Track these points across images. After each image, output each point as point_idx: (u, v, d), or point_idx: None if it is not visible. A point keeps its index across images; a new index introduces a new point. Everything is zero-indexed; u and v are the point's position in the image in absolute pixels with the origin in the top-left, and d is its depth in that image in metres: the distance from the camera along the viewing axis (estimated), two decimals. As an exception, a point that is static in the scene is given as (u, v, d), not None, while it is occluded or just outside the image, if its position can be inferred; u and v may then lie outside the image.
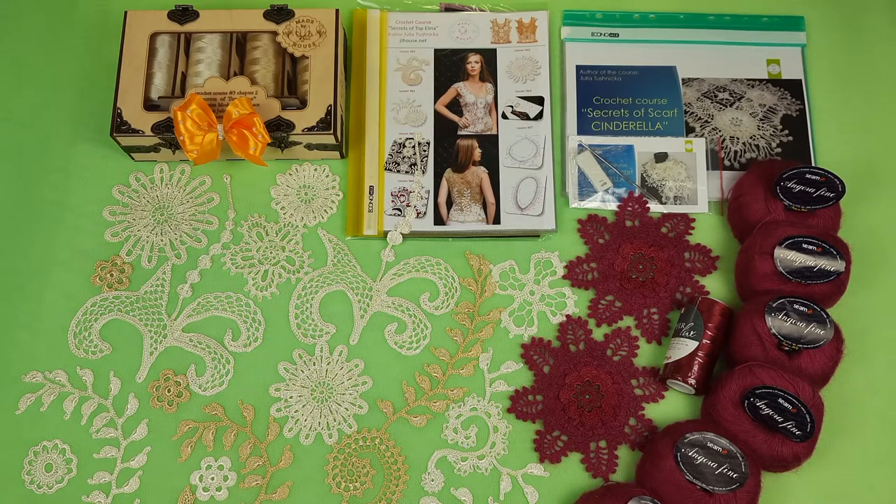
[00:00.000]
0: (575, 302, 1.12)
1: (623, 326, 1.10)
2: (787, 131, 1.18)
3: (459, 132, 1.18)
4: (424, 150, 1.17)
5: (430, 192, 1.15)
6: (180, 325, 1.11)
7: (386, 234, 1.14)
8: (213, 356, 1.10)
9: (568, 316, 1.11)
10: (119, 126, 1.11)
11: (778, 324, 1.00)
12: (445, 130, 1.18)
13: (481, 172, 1.16)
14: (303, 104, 1.13)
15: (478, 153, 1.17)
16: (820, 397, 1.00)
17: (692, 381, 1.04)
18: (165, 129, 1.10)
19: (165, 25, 1.15)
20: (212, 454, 1.06)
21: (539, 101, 1.19)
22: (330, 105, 1.12)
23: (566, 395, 1.06)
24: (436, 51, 1.22)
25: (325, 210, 1.16)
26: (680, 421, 1.04)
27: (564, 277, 1.13)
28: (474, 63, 1.21)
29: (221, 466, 1.05)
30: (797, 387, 0.99)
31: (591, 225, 1.14)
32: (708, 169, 1.16)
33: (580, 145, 1.17)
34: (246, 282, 1.13)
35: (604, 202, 1.15)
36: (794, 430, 0.97)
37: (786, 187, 1.06)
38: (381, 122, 1.18)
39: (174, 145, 1.13)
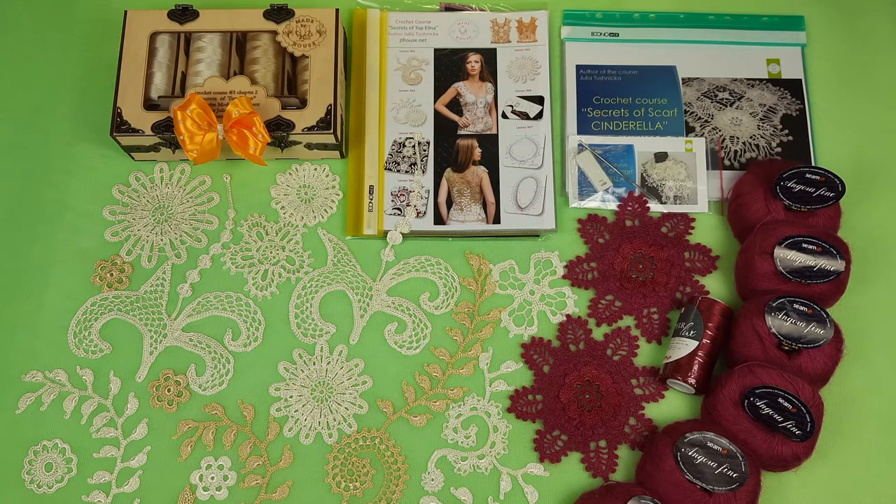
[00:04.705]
0: (575, 302, 1.12)
1: (623, 326, 1.10)
2: (787, 131, 1.18)
3: (459, 132, 1.18)
4: (424, 150, 1.17)
5: (430, 192, 1.15)
6: (180, 325, 1.11)
7: (386, 233, 1.14)
8: (212, 356, 1.10)
9: (568, 316, 1.11)
10: (119, 126, 1.11)
11: (778, 323, 1.00)
12: (445, 130, 1.18)
13: (481, 172, 1.16)
14: (303, 104, 1.13)
15: (478, 153, 1.17)
16: (820, 397, 1.00)
17: (692, 381, 1.04)
18: (165, 129, 1.10)
19: (165, 25, 1.15)
20: (212, 454, 1.06)
21: (539, 100, 1.19)
22: (330, 105, 1.12)
23: (566, 394, 1.06)
24: (436, 50, 1.22)
25: (325, 210, 1.16)
26: (680, 421, 1.04)
27: (564, 277, 1.13)
28: (474, 63, 1.21)
29: (221, 466, 1.05)
30: (797, 386, 0.99)
31: (591, 225, 1.14)
32: (708, 169, 1.16)
33: (580, 145, 1.17)
34: (246, 281, 1.13)
35: (604, 202, 1.15)
36: (794, 429, 0.97)
37: (786, 187, 1.06)
38: (381, 121, 1.18)
39: (174, 145, 1.13)
